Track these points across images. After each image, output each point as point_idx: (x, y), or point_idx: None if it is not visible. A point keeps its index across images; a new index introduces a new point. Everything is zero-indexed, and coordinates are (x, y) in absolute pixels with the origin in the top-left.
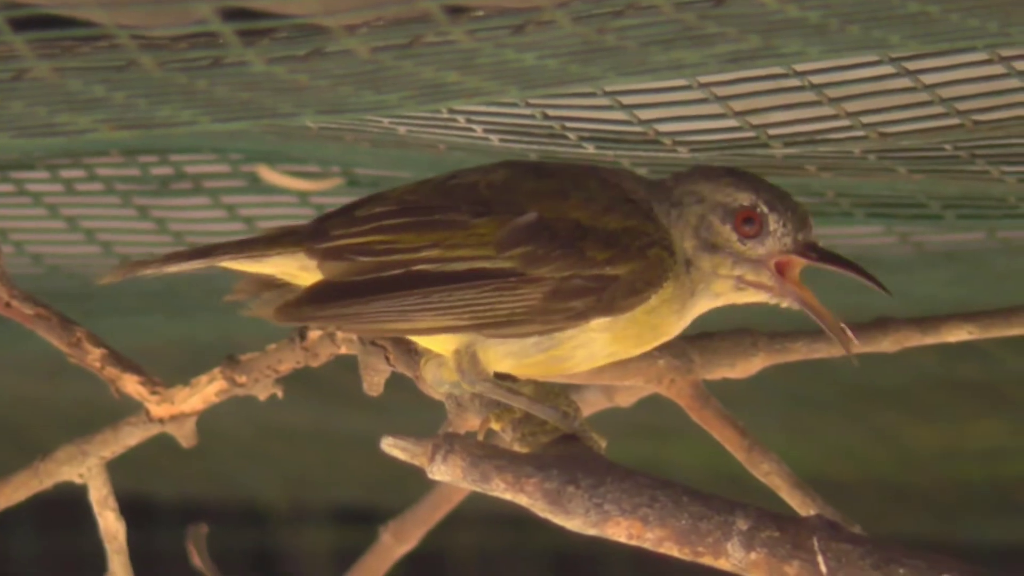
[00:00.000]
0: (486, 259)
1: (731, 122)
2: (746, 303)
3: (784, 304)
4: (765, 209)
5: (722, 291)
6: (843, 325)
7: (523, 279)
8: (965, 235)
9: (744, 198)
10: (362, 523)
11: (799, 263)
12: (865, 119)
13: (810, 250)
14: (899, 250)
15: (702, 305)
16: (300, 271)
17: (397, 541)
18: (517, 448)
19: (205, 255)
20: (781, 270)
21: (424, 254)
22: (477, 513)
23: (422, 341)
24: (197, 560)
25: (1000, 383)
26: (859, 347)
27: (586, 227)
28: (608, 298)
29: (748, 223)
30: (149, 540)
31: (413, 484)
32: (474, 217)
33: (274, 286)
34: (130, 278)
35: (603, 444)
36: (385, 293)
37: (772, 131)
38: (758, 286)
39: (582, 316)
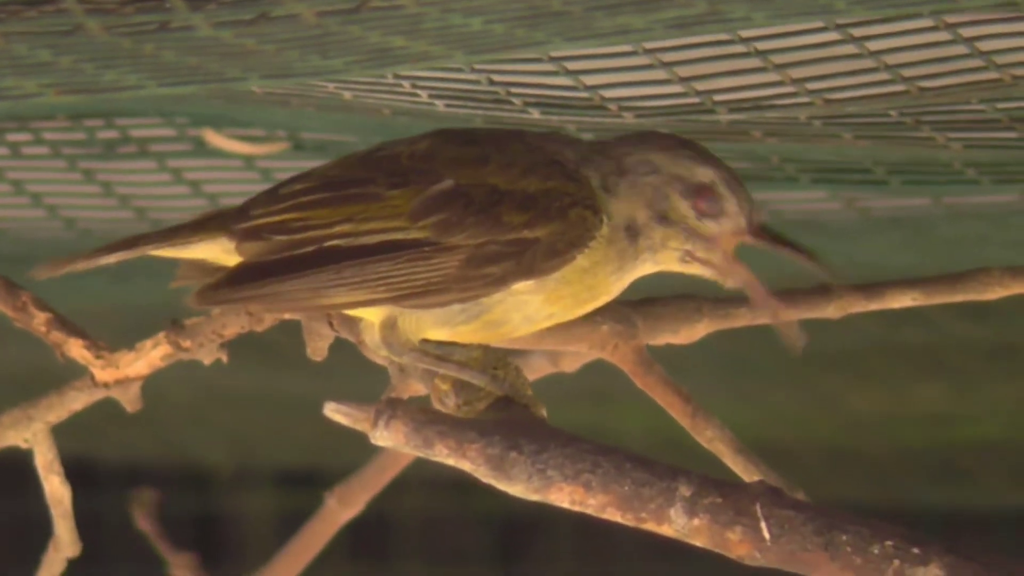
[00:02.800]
0: (399, 230)
1: (676, 88)
2: (684, 273)
3: (728, 284)
4: (725, 190)
5: (666, 261)
6: (783, 310)
7: (437, 248)
8: (910, 201)
9: (704, 175)
10: (307, 487)
11: (743, 241)
12: (810, 85)
13: (762, 231)
14: (844, 215)
15: (643, 270)
16: (224, 255)
17: (343, 506)
18: (459, 415)
19: (131, 246)
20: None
21: (336, 229)
22: (423, 478)
23: (349, 313)
24: (144, 524)
25: (943, 348)
26: (805, 341)
27: (503, 191)
28: (527, 261)
29: (706, 201)
30: (94, 504)
31: (358, 448)
32: (389, 189)
33: (217, 270)
34: (62, 273)
35: (542, 408)
36: (298, 271)
37: (717, 97)
38: (705, 263)
39: (501, 281)
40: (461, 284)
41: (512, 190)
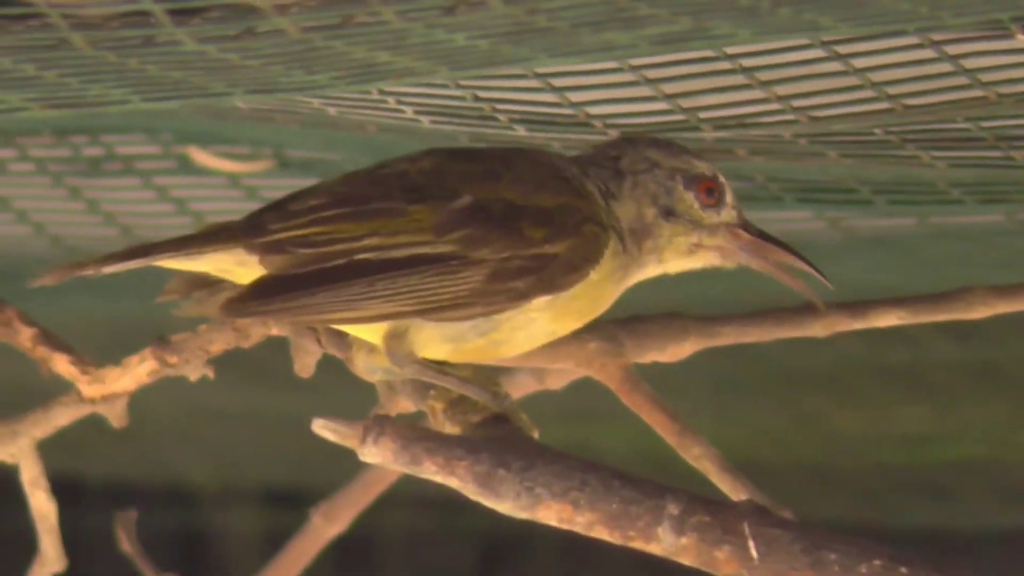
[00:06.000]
0: (426, 244)
1: (662, 105)
2: (687, 269)
3: (734, 263)
4: (723, 180)
5: (671, 259)
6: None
7: (464, 262)
8: (895, 220)
9: (704, 167)
10: (292, 505)
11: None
12: (796, 103)
13: (749, 226)
14: (829, 235)
15: (645, 273)
16: (237, 267)
17: (328, 523)
18: (447, 427)
19: (143, 255)
20: None
21: (364, 243)
22: (407, 496)
23: (353, 331)
24: (126, 545)
25: (926, 369)
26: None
27: (521, 207)
28: (548, 276)
29: (709, 193)
30: (79, 520)
31: (344, 465)
32: (409, 204)
33: (205, 284)
34: (69, 279)
35: (535, 430)
36: (329, 283)
37: (703, 114)
38: (714, 248)
39: (524, 296)
40: (486, 298)
41: (528, 205)
